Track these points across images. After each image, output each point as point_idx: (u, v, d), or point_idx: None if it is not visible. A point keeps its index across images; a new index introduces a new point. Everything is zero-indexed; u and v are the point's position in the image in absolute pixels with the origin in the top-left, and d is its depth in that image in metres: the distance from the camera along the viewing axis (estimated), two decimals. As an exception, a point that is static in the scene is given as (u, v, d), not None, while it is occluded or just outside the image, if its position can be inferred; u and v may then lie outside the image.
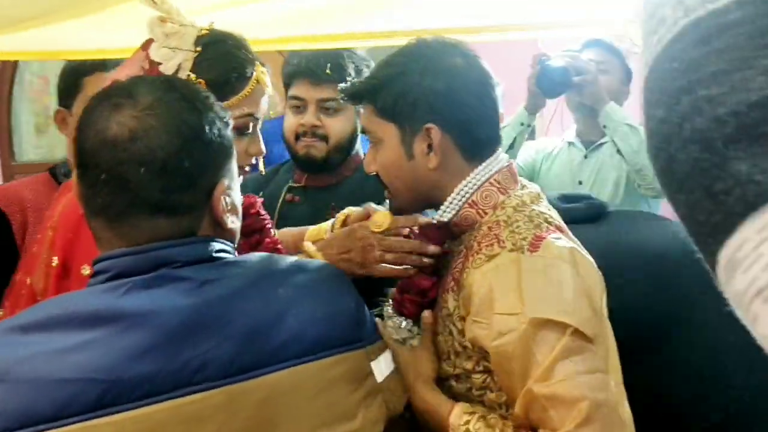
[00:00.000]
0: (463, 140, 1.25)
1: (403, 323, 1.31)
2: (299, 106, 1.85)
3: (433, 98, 1.23)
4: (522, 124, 2.50)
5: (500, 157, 1.31)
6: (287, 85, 1.88)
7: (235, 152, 1.08)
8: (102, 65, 1.81)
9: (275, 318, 0.98)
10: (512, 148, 2.51)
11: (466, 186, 1.27)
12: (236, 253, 1.10)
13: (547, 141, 2.79)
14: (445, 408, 1.18)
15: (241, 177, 1.40)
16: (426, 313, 1.28)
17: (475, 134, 1.26)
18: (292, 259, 1.14)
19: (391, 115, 1.26)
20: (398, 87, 1.25)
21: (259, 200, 1.49)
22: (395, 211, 1.36)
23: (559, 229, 1.23)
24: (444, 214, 1.29)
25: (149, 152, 0.96)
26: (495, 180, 1.27)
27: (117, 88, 1.04)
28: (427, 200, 1.31)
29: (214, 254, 1.02)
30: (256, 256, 1.11)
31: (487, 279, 1.15)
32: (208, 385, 0.91)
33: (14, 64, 3.13)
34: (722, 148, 0.36)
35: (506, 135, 2.51)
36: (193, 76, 1.28)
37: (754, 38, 0.36)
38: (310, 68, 1.82)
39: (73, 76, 1.81)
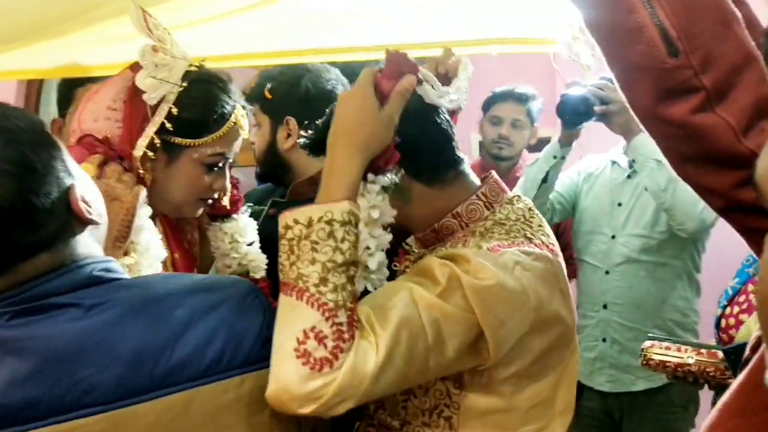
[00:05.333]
0: (418, 173, 1.21)
1: None
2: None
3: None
4: (555, 157, 2.39)
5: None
6: None
7: (62, 145, 1.01)
8: (94, 77, 1.87)
9: (168, 340, 0.95)
10: (546, 182, 2.41)
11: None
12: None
13: (591, 161, 2.63)
14: (344, 188, 1.06)
15: (201, 209, 1.44)
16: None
17: (426, 161, 1.21)
18: (199, 277, 1.12)
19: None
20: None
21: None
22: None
23: (541, 246, 1.18)
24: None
25: None
26: (482, 193, 1.23)
27: None
28: (400, 227, 1.25)
29: (98, 274, 0.98)
30: (157, 276, 1.09)
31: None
32: (93, 410, 0.89)
33: (39, 84, 3.26)
34: None
35: (538, 168, 2.41)
36: (174, 109, 1.31)
37: None
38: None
39: (67, 87, 1.89)
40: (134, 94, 1.32)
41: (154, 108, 1.32)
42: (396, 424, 1.20)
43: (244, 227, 1.56)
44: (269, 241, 1.53)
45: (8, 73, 1.82)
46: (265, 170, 1.90)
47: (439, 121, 1.22)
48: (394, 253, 1.36)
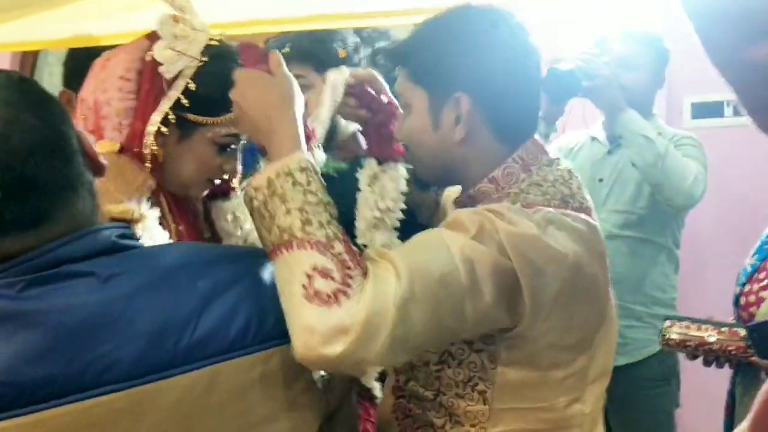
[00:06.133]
0: (495, 117, 1.17)
1: None
2: None
3: (468, 67, 1.16)
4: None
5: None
6: None
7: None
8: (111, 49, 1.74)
9: (191, 313, 0.90)
10: None
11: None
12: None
13: (570, 137, 2.61)
14: (288, 144, 1.05)
15: (207, 190, 1.38)
16: None
17: (508, 113, 1.18)
18: (221, 247, 1.08)
19: (422, 81, 1.19)
20: (433, 51, 1.18)
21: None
22: (419, 181, 1.31)
23: (579, 210, 1.15)
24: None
25: (28, 140, 0.88)
26: (518, 156, 1.19)
27: None
28: (449, 174, 1.24)
29: (116, 240, 0.93)
30: (177, 245, 1.04)
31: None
32: (113, 387, 0.85)
33: (35, 54, 3.09)
34: None
35: None
36: (192, 85, 1.25)
37: None
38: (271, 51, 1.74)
39: (84, 58, 1.73)
40: (150, 65, 1.25)
41: (171, 81, 1.25)
42: (429, 394, 1.16)
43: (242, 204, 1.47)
44: None
45: (8, 44, 1.73)
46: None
47: (537, 77, 1.22)
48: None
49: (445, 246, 1.01)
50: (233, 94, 1.11)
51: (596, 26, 2.43)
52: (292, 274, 0.95)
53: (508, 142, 1.19)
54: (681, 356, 2.24)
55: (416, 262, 0.99)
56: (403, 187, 1.45)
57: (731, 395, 1.67)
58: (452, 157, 1.20)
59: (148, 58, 1.25)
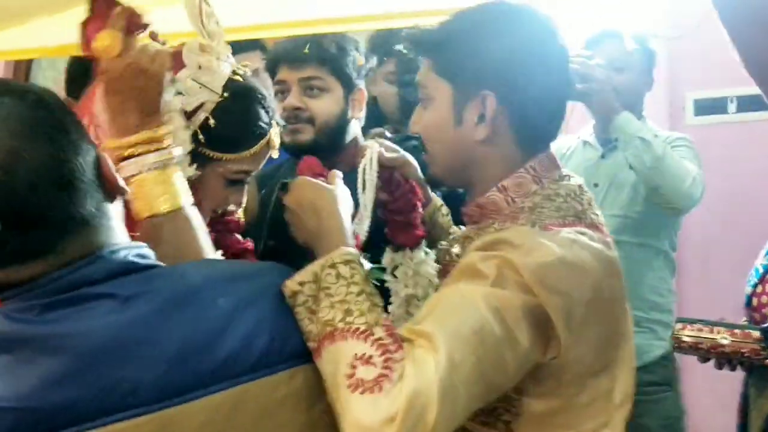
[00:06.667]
0: (519, 121, 1.15)
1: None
2: (282, 91, 1.76)
3: (499, 67, 1.13)
4: None
5: None
6: (272, 76, 1.81)
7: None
8: None
9: (214, 333, 0.89)
10: None
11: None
12: None
13: (562, 141, 2.58)
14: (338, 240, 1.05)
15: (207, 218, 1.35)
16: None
17: (533, 118, 1.16)
18: (237, 263, 1.07)
19: (448, 75, 1.16)
20: (464, 46, 1.15)
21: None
22: (429, 179, 1.30)
23: (591, 226, 1.13)
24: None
25: (33, 176, 0.84)
26: (531, 166, 1.17)
27: None
28: (461, 174, 1.21)
29: (133, 259, 0.92)
30: (192, 263, 1.02)
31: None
32: (137, 411, 0.83)
33: (28, 63, 3.02)
34: None
35: None
36: (212, 121, 1.23)
37: None
38: (288, 50, 1.75)
39: (85, 65, 1.69)
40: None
41: (190, 114, 1.22)
42: None
43: None
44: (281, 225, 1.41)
45: (5, 53, 1.71)
46: (324, 139, 1.74)
47: (567, 82, 1.21)
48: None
49: (469, 302, 0.99)
50: (288, 200, 1.12)
51: (587, 27, 2.42)
52: (336, 366, 0.94)
53: (527, 149, 1.17)
54: (682, 360, 2.23)
55: (448, 329, 0.97)
56: (431, 270, 1.42)
57: (744, 397, 1.65)
58: (468, 157, 1.17)
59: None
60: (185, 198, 1.12)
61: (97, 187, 0.91)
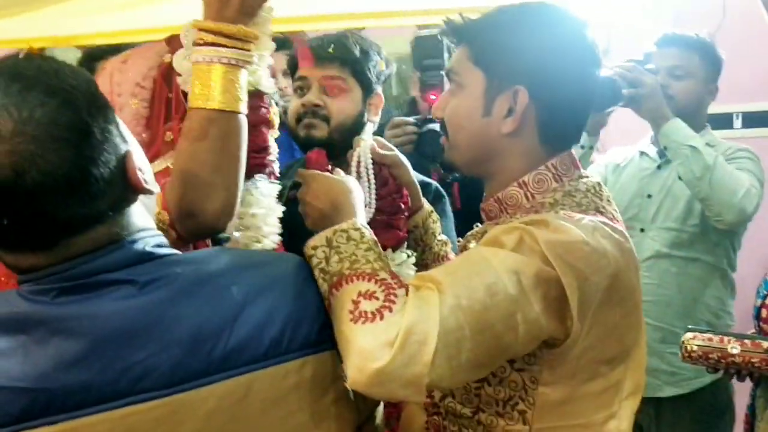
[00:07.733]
0: (547, 118, 1.16)
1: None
2: (303, 87, 1.78)
3: (535, 63, 1.14)
4: (582, 147, 2.28)
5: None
6: (293, 72, 1.84)
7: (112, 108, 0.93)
8: (117, 50, 1.62)
9: (226, 320, 0.91)
10: None
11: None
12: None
13: (618, 152, 2.55)
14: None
15: None
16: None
17: (561, 117, 1.17)
18: (250, 252, 1.08)
19: (483, 64, 1.17)
20: (503, 38, 1.17)
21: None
22: (447, 165, 1.29)
23: (612, 220, 1.14)
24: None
25: (44, 180, 0.83)
26: (552, 164, 1.18)
27: None
28: (481, 165, 1.22)
29: (151, 249, 0.93)
30: (207, 251, 1.04)
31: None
32: (149, 396, 0.85)
33: (41, 51, 3.15)
34: None
35: None
36: None
37: None
38: (312, 48, 1.76)
39: (87, 60, 1.71)
40: (168, 73, 1.24)
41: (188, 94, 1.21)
42: (467, 411, 1.15)
43: None
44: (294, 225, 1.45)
45: (9, 41, 1.71)
46: (337, 138, 1.74)
47: (595, 86, 1.21)
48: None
49: (486, 261, 1.01)
50: (303, 194, 1.20)
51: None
52: (341, 306, 0.97)
53: (551, 147, 1.18)
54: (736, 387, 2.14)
55: (458, 277, 0.99)
56: (411, 272, 1.45)
57: (751, 409, 1.61)
58: (492, 148, 1.18)
59: (165, 60, 1.23)
60: (243, 105, 1.12)
61: (118, 186, 0.90)
